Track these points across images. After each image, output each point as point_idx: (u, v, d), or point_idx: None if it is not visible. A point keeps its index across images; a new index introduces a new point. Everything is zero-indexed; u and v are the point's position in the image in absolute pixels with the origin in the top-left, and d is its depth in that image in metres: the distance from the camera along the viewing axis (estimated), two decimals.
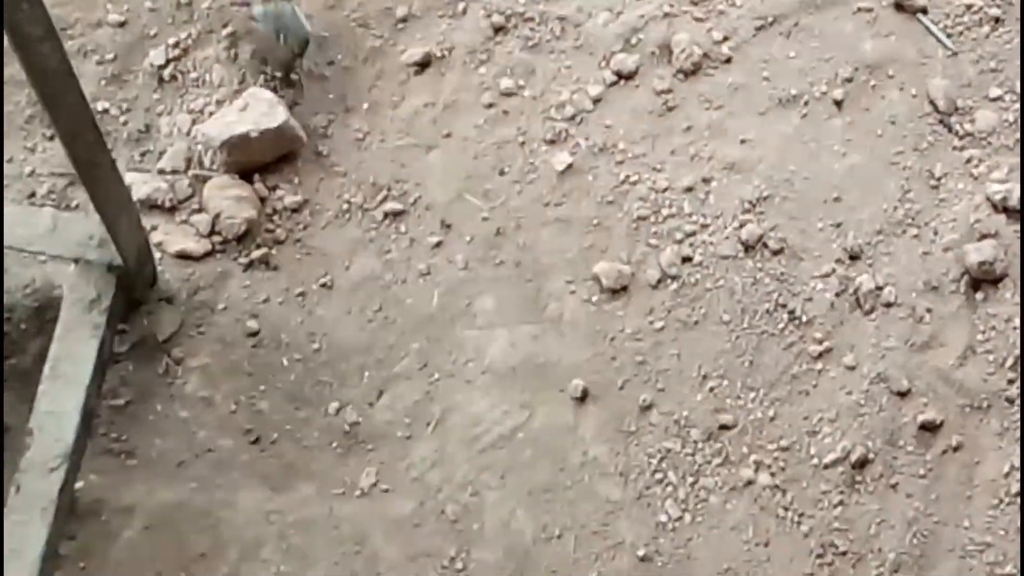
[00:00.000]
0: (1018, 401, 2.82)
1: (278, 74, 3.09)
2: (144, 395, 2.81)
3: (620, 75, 3.18)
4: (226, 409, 2.81)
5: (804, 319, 2.90)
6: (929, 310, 2.91)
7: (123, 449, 2.77)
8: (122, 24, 3.18)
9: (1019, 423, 2.81)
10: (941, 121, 3.13)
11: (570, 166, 3.06)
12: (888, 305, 2.92)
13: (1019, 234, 2.97)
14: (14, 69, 3.01)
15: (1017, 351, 2.85)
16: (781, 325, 2.90)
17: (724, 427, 2.82)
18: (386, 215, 3.00)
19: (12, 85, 3.05)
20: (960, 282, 2.94)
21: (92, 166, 2.40)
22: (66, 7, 3.14)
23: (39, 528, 2.52)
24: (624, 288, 2.93)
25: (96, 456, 2.74)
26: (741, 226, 2.99)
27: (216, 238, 2.95)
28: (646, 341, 2.88)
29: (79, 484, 2.69)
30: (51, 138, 3.02)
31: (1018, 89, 3.16)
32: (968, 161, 3.08)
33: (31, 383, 2.64)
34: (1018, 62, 3.19)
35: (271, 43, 3.08)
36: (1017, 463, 2.78)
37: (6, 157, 2.99)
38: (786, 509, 2.77)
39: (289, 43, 3.07)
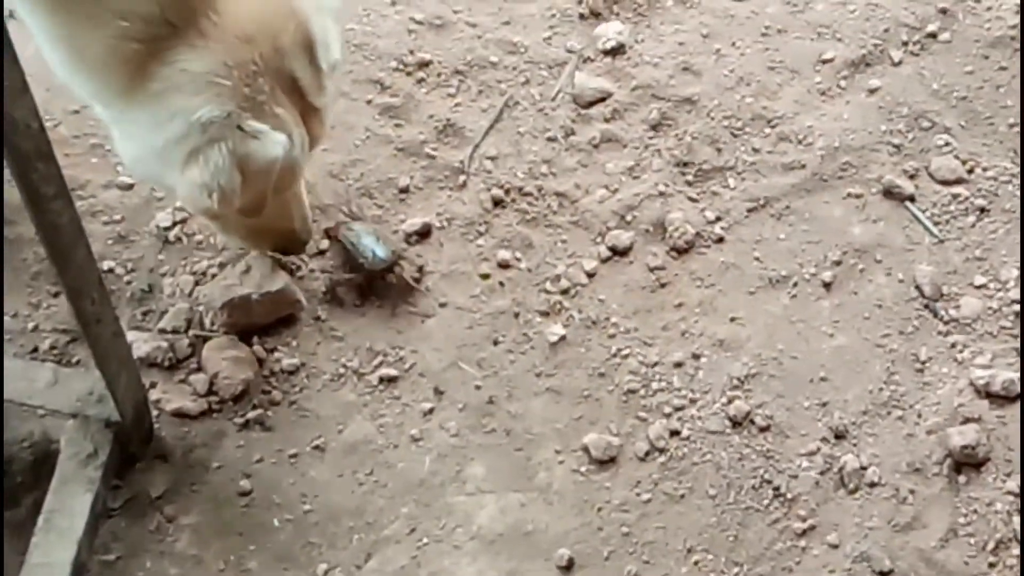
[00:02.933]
0: None
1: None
2: (135, 551, 2.81)
3: (614, 251, 3.25)
4: (215, 568, 2.82)
5: (789, 496, 2.93)
6: (912, 491, 2.94)
7: None
8: (130, 187, 3.26)
9: None
10: (927, 306, 3.19)
11: (563, 338, 3.12)
12: (872, 485, 2.95)
13: (1002, 419, 3.01)
14: (23, 228, 3.09)
15: (998, 535, 2.87)
16: (766, 501, 2.92)
17: None
18: (381, 380, 3.05)
19: (20, 243, 3.13)
20: (943, 465, 2.97)
21: (96, 323, 2.45)
22: (78, 168, 3.23)
23: None
24: (612, 459, 2.96)
25: None
26: (729, 402, 3.04)
27: (213, 398, 2.99)
28: (633, 513, 2.91)
29: None
30: (55, 295, 3.07)
31: (1002, 278, 3.22)
32: (953, 346, 3.13)
33: (25, 535, 2.67)
34: (1003, 251, 3.27)
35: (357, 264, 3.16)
36: None
37: (11, 312, 3.05)
38: None
39: (372, 265, 3.14)
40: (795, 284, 3.22)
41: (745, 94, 3.53)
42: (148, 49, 2.45)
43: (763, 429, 3.01)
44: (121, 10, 2.41)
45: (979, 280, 3.23)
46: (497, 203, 3.31)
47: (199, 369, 3.02)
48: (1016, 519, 2.89)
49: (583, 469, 2.96)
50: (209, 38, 2.48)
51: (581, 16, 3.66)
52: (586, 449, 2.97)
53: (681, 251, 3.25)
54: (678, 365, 3.09)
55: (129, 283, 3.13)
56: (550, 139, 3.42)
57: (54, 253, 2.24)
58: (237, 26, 2.49)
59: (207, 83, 2.49)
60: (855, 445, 3.00)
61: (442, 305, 3.16)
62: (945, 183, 3.39)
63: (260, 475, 2.92)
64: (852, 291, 3.22)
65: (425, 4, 3.64)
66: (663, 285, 3.21)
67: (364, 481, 2.92)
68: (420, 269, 3.17)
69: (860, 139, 3.45)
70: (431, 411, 3.02)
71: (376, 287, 3.13)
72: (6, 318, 3.04)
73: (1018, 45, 3.62)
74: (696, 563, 2.86)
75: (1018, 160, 3.42)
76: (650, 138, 3.43)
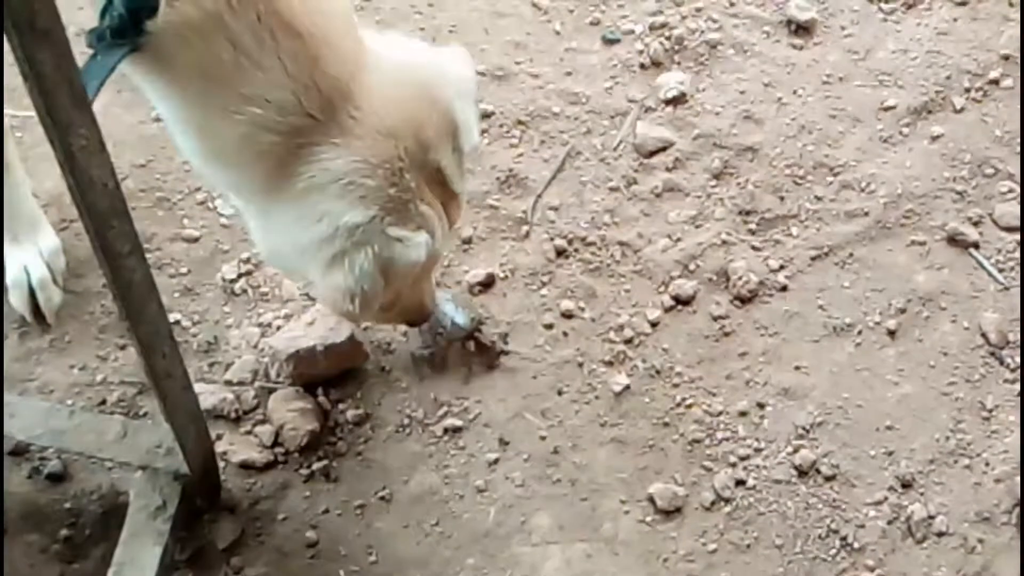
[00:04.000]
0: None
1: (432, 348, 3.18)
2: None
3: (678, 300, 3.25)
4: None
5: (856, 546, 2.91)
6: (981, 541, 2.92)
7: None
8: (197, 239, 3.29)
9: None
10: (993, 354, 3.18)
11: (627, 388, 3.12)
12: (940, 534, 2.93)
13: None
14: (90, 281, 3.13)
15: None
16: (833, 551, 2.91)
17: None
18: (445, 431, 3.05)
19: (88, 296, 3.16)
20: (1012, 514, 2.95)
21: (166, 377, 2.47)
22: (144, 222, 3.25)
23: None
24: (678, 509, 2.96)
25: None
26: (795, 451, 3.03)
27: (279, 449, 3.01)
28: (699, 563, 2.90)
29: None
30: (123, 347, 3.10)
31: None
32: (1019, 394, 3.11)
33: None
34: None
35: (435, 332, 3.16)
36: None
37: (79, 365, 3.08)
38: None
39: (451, 335, 3.14)
40: (860, 332, 3.21)
41: (807, 142, 3.53)
42: (288, 144, 2.34)
43: (829, 478, 3.00)
44: (253, 95, 2.27)
45: None
46: (560, 253, 3.32)
47: (265, 420, 3.04)
48: None
49: (648, 519, 2.95)
50: (351, 134, 2.37)
51: (642, 66, 3.67)
52: (651, 499, 2.97)
53: (745, 300, 3.25)
54: (743, 414, 3.09)
55: (195, 335, 3.15)
56: (612, 189, 3.43)
57: (127, 308, 2.25)
58: (379, 121, 2.39)
59: (352, 184, 2.38)
60: (922, 494, 2.98)
61: (506, 355, 3.16)
62: (1009, 230, 3.38)
63: (326, 526, 2.93)
64: (917, 339, 3.21)
65: (487, 55, 3.66)
66: (727, 334, 3.21)
67: (430, 532, 2.93)
68: (503, 337, 3.18)
69: (923, 186, 3.45)
70: (496, 461, 3.02)
71: (453, 351, 3.14)
72: (74, 371, 3.07)
73: None
74: None
75: None
76: (712, 187, 3.44)
